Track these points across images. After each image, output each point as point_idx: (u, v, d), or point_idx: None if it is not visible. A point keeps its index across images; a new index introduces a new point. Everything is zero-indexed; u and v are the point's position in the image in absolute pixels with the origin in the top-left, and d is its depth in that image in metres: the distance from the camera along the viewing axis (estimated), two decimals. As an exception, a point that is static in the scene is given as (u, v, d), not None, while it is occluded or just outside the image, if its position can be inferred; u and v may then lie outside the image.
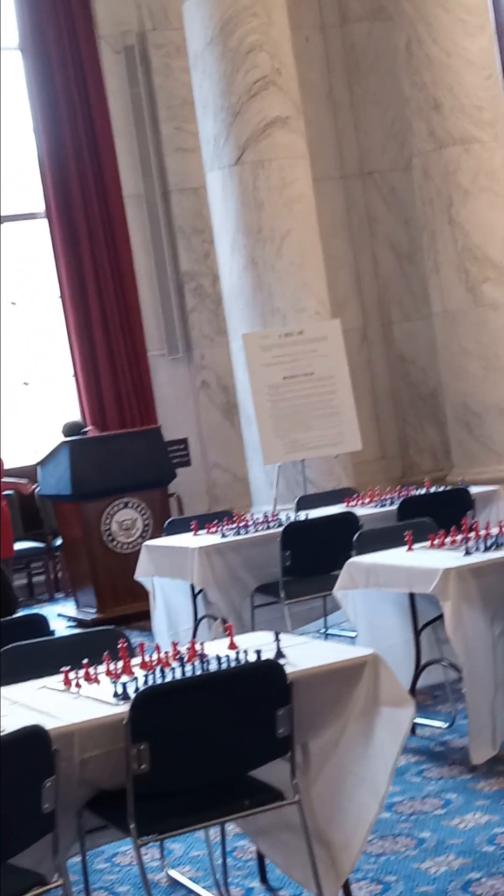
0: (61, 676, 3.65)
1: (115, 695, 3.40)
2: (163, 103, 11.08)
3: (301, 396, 9.22)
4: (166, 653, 3.72)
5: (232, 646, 3.78)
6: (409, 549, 5.28)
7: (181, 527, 7.12)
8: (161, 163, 11.12)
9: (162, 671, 3.53)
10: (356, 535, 5.76)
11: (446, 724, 5.33)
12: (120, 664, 3.66)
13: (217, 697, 3.37)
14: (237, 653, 3.65)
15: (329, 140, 11.69)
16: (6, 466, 9.06)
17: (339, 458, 9.66)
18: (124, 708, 3.28)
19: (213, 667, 3.55)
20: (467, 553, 4.96)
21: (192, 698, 3.33)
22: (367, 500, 7.07)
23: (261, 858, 4.01)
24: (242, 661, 3.56)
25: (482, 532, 5.17)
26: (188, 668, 3.55)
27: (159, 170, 11.10)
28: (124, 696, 3.38)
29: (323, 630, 6.89)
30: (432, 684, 5.65)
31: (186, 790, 3.40)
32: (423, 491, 7.09)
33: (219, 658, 3.59)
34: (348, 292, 11.70)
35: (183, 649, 3.73)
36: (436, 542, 5.25)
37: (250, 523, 6.69)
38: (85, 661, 3.69)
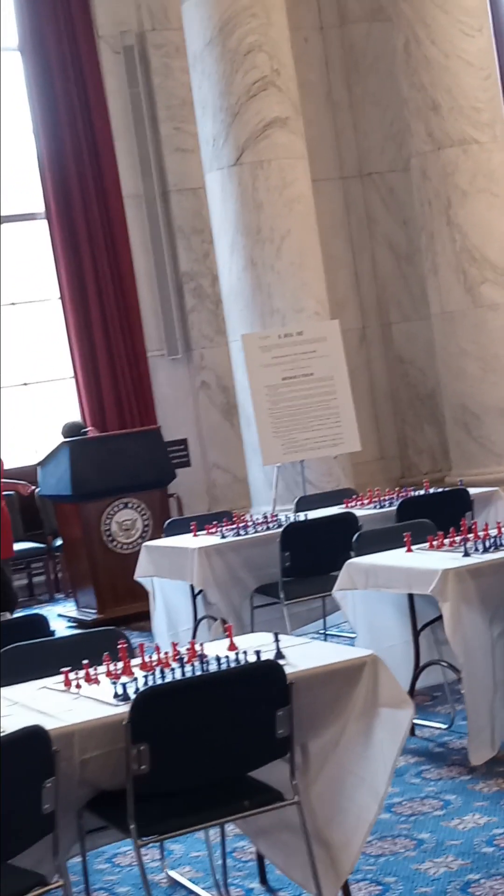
0: (61, 677, 3.65)
1: (116, 695, 3.41)
2: (162, 104, 11.09)
3: (300, 397, 9.23)
4: (166, 653, 3.72)
5: (232, 646, 3.78)
6: (409, 549, 5.28)
7: (181, 527, 7.12)
8: (160, 163, 11.12)
9: (162, 672, 3.54)
10: (355, 535, 5.76)
11: (445, 725, 5.34)
12: (120, 665, 3.67)
13: (217, 698, 3.38)
14: (237, 653, 3.65)
15: (328, 141, 11.70)
16: (6, 467, 9.07)
17: (338, 459, 9.67)
18: (124, 708, 3.28)
19: (212, 667, 3.55)
20: (466, 554, 4.96)
21: (191, 699, 3.34)
22: (367, 500, 7.07)
23: (260, 859, 4.02)
24: (242, 662, 3.56)
25: (481, 533, 5.17)
26: (188, 668, 3.56)
27: (159, 170, 11.11)
28: (124, 697, 3.38)
29: (322, 631, 6.90)
30: (431, 685, 5.66)
31: (186, 791, 3.41)
32: (422, 492, 7.10)
33: (218, 659, 3.59)
34: (347, 293, 11.71)
35: (183, 650, 3.73)
36: (435, 542, 5.25)
37: (250, 524, 6.69)
38: (85, 661, 3.69)
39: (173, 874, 4.17)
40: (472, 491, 6.86)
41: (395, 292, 11.79)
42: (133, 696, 3.31)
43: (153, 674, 3.54)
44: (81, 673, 3.66)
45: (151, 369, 11.07)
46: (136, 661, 3.73)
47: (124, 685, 3.42)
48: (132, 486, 8.69)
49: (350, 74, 11.78)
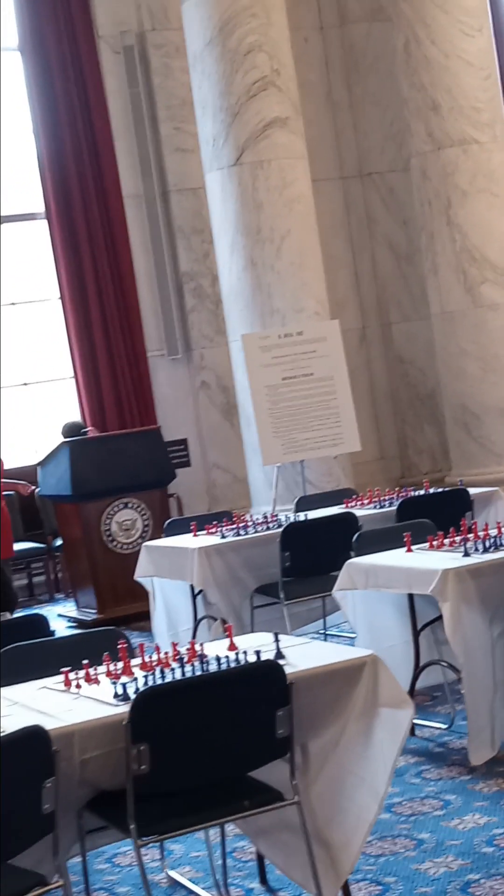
0: (61, 677, 3.65)
1: (116, 695, 3.41)
2: (162, 103, 11.08)
3: (300, 397, 9.23)
4: (166, 653, 3.73)
5: (231, 646, 3.78)
6: (409, 549, 5.28)
7: (181, 527, 7.12)
8: (160, 163, 11.12)
9: (162, 672, 3.54)
10: (355, 535, 5.76)
11: (445, 725, 5.34)
12: (120, 665, 3.67)
13: (217, 698, 3.38)
14: (237, 653, 3.65)
15: (328, 141, 11.70)
16: (6, 467, 9.07)
17: (338, 459, 9.67)
18: (124, 708, 3.28)
19: (212, 667, 3.55)
20: (466, 554, 4.96)
21: (191, 699, 3.34)
22: (367, 500, 7.07)
23: (260, 859, 4.02)
24: (242, 662, 3.56)
25: (481, 533, 5.17)
26: (188, 668, 3.56)
27: (159, 170, 11.11)
28: (124, 697, 3.38)
29: (322, 631, 6.90)
30: (431, 685, 5.66)
31: (186, 791, 3.41)
32: (422, 492, 7.10)
33: (218, 659, 3.59)
34: (347, 293, 11.71)
35: (183, 650, 3.73)
36: (435, 542, 5.25)
37: (250, 524, 6.69)
38: (85, 661, 3.69)
39: (173, 874, 4.17)
40: (472, 491, 6.86)
41: (395, 292, 11.79)
42: (133, 696, 3.31)
43: (153, 674, 3.54)
44: (81, 673, 3.66)
45: (151, 369, 11.08)
46: (136, 661, 3.73)
47: (124, 685, 3.42)
48: (132, 486, 8.70)
49: (350, 74, 11.78)
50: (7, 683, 3.75)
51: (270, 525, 6.62)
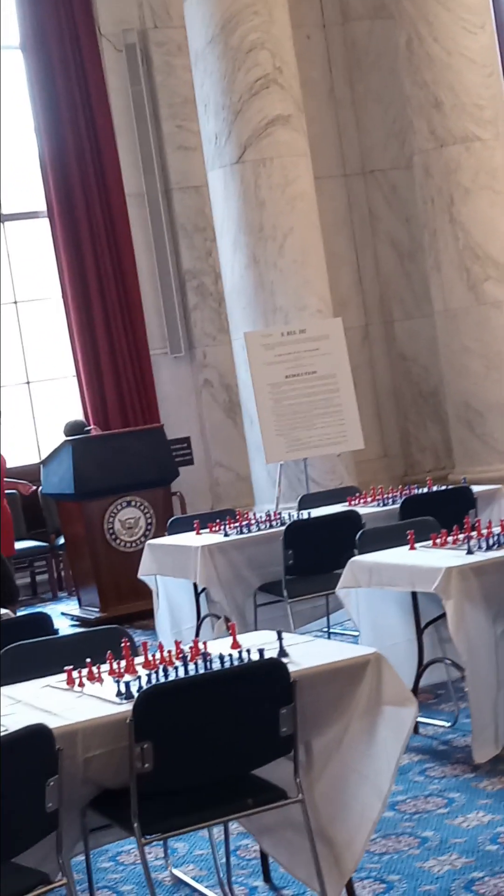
0: (65, 675, 3.65)
1: (119, 694, 3.41)
2: (164, 101, 11.08)
3: (303, 395, 9.23)
4: (169, 651, 3.72)
5: (235, 644, 3.78)
6: (412, 547, 5.28)
7: (184, 525, 7.12)
8: (163, 161, 11.12)
9: (165, 670, 3.54)
10: (359, 533, 5.76)
11: (449, 723, 5.33)
12: (123, 663, 3.67)
13: (220, 696, 3.37)
14: (240, 651, 3.65)
15: (330, 138, 11.69)
16: (8, 465, 9.07)
17: (341, 457, 9.66)
18: (128, 707, 3.28)
19: (216, 666, 3.55)
20: (469, 552, 4.96)
21: (195, 697, 3.33)
22: (370, 498, 7.06)
23: (264, 857, 4.01)
24: (245, 660, 3.56)
25: (484, 531, 5.16)
26: (191, 666, 3.55)
27: (161, 168, 11.11)
28: (128, 695, 3.38)
29: (326, 629, 6.89)
30: (435, 683, 5.65)
31: (190, 789, 3.41)
32: (425, 490, 7.09)
33: (222, 657, 3.59)
34: (350, 291, 11.70)
35: (186, 648, 3.73)
36: (438, 540, 5.25)
37: (253, 522, 6.69)
38: (88, 659, 3.69)
39: (177, 872, 4.17)
40: (475, 489, 6.86)
41: (397, 290, 11.79)
42: (136, 695, 3.31)
43: (156, 672, 3.53)
44: (85, 671, 3.66)
45: (154, 367, 11.07)
46: (139, 660, 3.73)
47: (127, 683, 3.42)
48: (135, 485, 8.69)
49: (352, 72, 11.77)
50: (10, 682, 3.75)
51: (273, 523, 6.62)
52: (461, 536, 5.21)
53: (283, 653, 3.63)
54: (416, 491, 7.08)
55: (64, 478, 8.63)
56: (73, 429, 9.66)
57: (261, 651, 3.56)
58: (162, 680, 3.45)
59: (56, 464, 8.79)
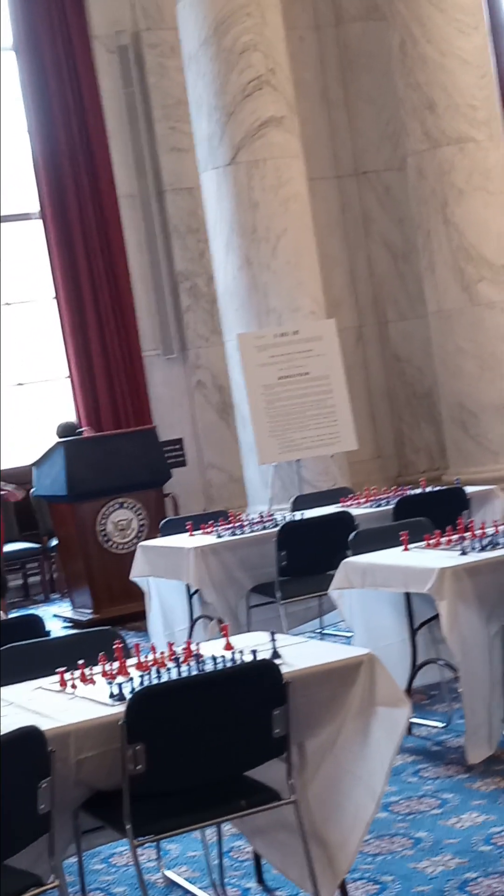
0: (57, 677, 3.64)
1: (111, 695, 3.40)
2: (157, 103, 11.07)
3: (296, 396, 9.22)
4: (162, 653, 3.72)
5: (228, 646, 3.77)
6: (405, 548, 5.27)
7: (177, 527, 7.11)
8: (155, 163, 11.11)
9: (158, 672, 3.53)
10: (352, 534, 5.76)
11: (443, 724, 5.33)
12: (116, 665, 3.66)
13: (213, 698, 3.36)
14: (233, 653, 3.64)
15: (323, 140, 11.69)
16: (2, 467, 9.06)
17: (334, 458, 9.66)
18: (120, 708, 3.27)
19: (209, 667, 3.54)
20: (463, 553, 4.96)
21: (188, 699, 3.33)
22: (363, 499, 7.06)
23: (257, 858, 4.00)
24: (238, 662, 3.55)
25: (478, 531, 5.17)
26: (184, 668, 3.55)
27: (154, 170, 11.10)
28: (120, 697, 3.37)
29: (319, 630, 6.88)
30: (428, 684, 5.65)
31: (183, 790, 3.40)
32: (418, 490, 7.09)
33: (215, 658, 3.58)
34: (343, 292, 11.70)
35: (179, 650, 3.72)
36: (432, 541, 5.25)
37: (246, 523, 6.68)
38: (81, 661, 3.68)
39: (170, 874, 4.16)
40: (468, 489, 6.86)
41: (391, 291, 11.79)
42: (129, 697, 3.30)
43: (149, 674, 3.52)
44: (77, 673, 3.65)
45: (147, 369, 11.07)
46: (131, 661, 3.72)
47: (120, 685, 3.41)
48: (127, 486, 8.68)
49: (345, 73, 11.77)
50: (2, 684, 3.74)
51: (266, 524, 6.61)
52: (455, 537, 5.21)
53: (276, 654, 3.62)
54: (409, 492, 7.08)
55: (56, 479, 8.61)
56: (65, 430, 9.64)
57: (254, 652, 3.56)
58: (154, 682, 3.44)
59: (48, 465, 8.78)
